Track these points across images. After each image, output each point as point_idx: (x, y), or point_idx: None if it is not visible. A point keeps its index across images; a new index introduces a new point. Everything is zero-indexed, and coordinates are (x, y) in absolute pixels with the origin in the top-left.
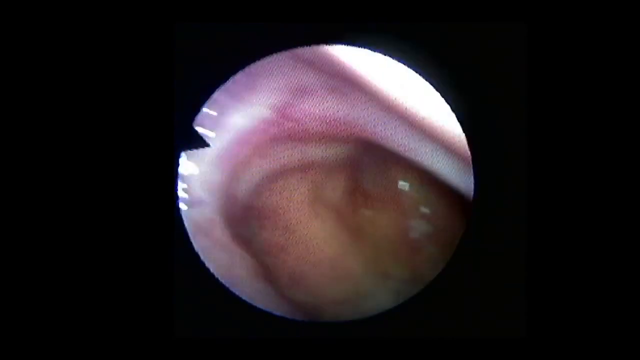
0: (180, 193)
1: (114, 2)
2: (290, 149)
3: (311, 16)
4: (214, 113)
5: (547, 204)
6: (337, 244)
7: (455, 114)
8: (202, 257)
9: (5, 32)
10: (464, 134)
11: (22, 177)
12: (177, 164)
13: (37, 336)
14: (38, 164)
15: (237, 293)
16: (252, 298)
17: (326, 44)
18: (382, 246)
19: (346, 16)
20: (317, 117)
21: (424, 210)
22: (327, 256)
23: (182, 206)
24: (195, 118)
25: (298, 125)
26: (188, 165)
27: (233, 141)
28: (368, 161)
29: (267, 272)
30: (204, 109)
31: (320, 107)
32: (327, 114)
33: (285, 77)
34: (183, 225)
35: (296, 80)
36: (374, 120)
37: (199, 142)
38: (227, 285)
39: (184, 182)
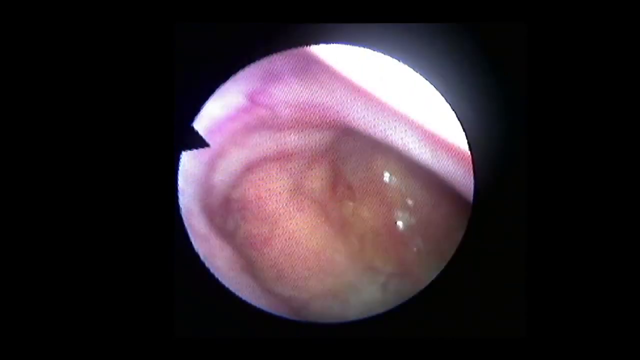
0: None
1: (114, 2)
2: (266, 137)
3: (311, 16)
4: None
5: (547, 205)
6: (321, 237)
7: (455, 114)
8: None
9: (5, 32)
10: (463, 134)
11: (22, 177)
12: (177, 164)
13: (37, 336)
14: (38, 164)
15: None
16: (236, 292)
17: (326, 44)
18: (368, 239)
19: (346, 16)
20: (291, 103)
21: (410, 202)
22: (311, 250)
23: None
24: (195, 118)
25: (271, 112)
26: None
27: (208, 130)
28: (349, 150)
29: (250, 265)
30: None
31: (293, 93)
32: (301, 100)
33: (256, 63)
34: (183, 225)
35: (266, 65)
36: (353, 106)
37: (199, 142)
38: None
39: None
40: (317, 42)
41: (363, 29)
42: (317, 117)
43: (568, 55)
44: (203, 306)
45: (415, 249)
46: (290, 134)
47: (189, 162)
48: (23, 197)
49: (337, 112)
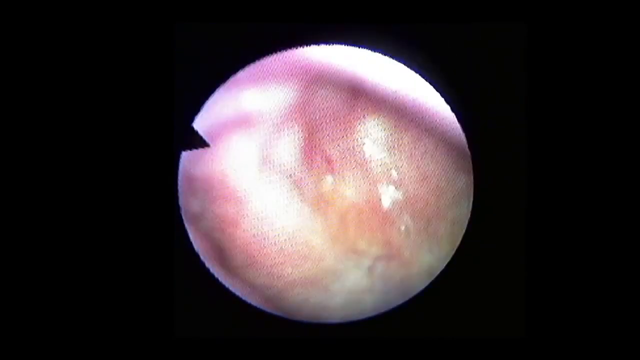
0: None
1: (113, 2)
2: (222, 96)
3: (311, 16)
4: None
5: (547, 204)
6: (296, 216)
7: (455, 114)
8: None
9: (3, 31)
10: (463, 134)
11: (22, 177)
12: (177, 164)
13: (36, 336)
14: (37, 164)
15: None
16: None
17: (326, 44)
18: (349, 218)
19: (346, 16)
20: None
21: (395, 175)
22: (285, 231)
23: None
24: (195, 118)
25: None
26: None
27: None
28: (324, 110)
29: (219, 251)
30: None
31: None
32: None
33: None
34: (183, 225)
35: None
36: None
37: (199, 142)
38: None
39: None
40: (317, 42)
41: (363, 29)
42: (279, 63)
43: (568, 55)
44: (203, 306)
45: (402, 227)
46: (248, 90)
47: None
48: (22, 196)
49: (301, 54)
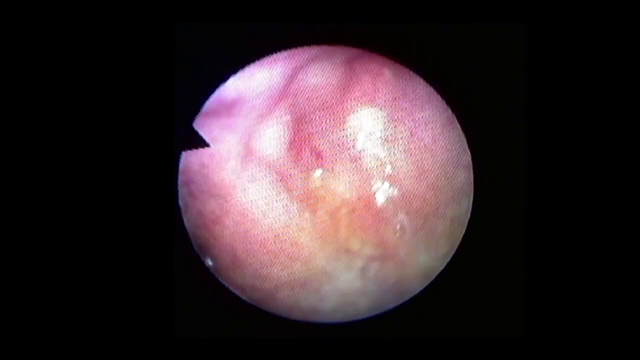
0: None
1: (113, 2)
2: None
3: (311, 16)
4: None
5: (546, 204)
6: (284, 214)
7: (455, 114)
8: None
9: (4, 31)
10: (463, 134)
11: (22, 177)
12: (177, 164)
13: (36, 336)
14: (37, 164)
15: None
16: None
17: (326, 44)
18: (341, 216)
19: (346, 16)
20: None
21: (390, 169)
22: (272, 230)
23: None
24: (196, 118)
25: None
26: None
27: None
28: (312, 97)
29: (203, 250)
30: None
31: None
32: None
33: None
34: (183, 225)
35: None
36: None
37: (199, 142)
38: None
39: None
40: (317, 42)
41: (363, 29)
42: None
43: (568, 55)
44: (203, 306)
45: (398, 226)
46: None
47: None
48: (22, 195)
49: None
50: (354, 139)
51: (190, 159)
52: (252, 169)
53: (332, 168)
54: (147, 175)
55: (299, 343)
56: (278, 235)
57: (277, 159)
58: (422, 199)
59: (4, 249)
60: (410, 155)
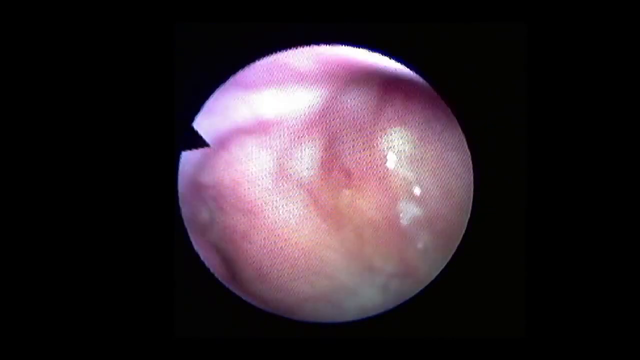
0: None
1: (114, 2)
2: (238, 99)
3: (311, 16)
4: None
5: (546, 204)
6: (311, 231)
7: (456, 114)
8: None
9: (5, 32)
10: (463, 135)
11: (22, 177)
12: (177, 164)
13: (37, 336)
14: (38, 164)
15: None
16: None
17: (326, 44)
18: (366, 234)
19: (346, 16)
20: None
21: (416, 191)
22: (298, 246)
23: None
24: (196, 117)
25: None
26: None
27: None
28: (347, 119)
29: (228, 264)
30: None
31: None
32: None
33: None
34: (183, 225)
35: None
36: (354, 49)
37: (199, 142)
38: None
39: None
40: (317, 42)
41: (363, 29)
42: (303, 66)
43: (568, 55)
44: (203, 306)
45: (421, 246)
46: (268, 93)
47: None
48: (23, 197)
49: (329, 57)
50: (383, 159)
51: (222, 175)
52: (283, 186)
53: (360, 187)
54: (148, 175)
55: (298, 343)
56: (305, 251)
57: (308, 178)
58: (446, 220)
59: (4, 249)
60: (437, 176)
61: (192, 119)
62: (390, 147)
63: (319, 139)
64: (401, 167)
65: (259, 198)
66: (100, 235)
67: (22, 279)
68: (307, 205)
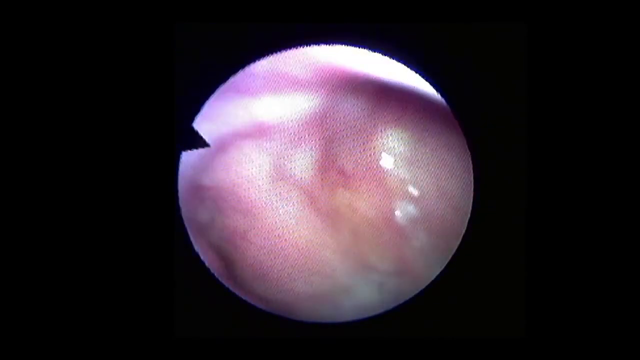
0: None
1: (114, 2)
2: (237, 105)
3: (311, 16)
4: None
5: (546, 204)
6: (309, 231)
7: (455, 114)
8: None
9: (5, 32)
10: (463, 135)
11: (22, 176)
12: (177, 164)
13: (37, 336)
14: (38, 164)
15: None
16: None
17: (326, 44)
18: (363, 234)
19: (346, 16)
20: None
21: (412, 190)
22: (297, 245)
23: None
24: (195, 118)
25: (242, 71)
26: None
27: None
28: (342, 122)
29: (227, 263)
30: None
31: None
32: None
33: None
34: (183, 225)
35: None
36: (348, 53)
37: (199, 142)
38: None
39: None
40: (317, 42)
41: (363, 29)
42: (300, 72)
43: (568, 55)
44: (203, 306)
45: (417, 244)
46: (266, 99)
47: None
48: (23, 195)
49: (325, 64)
50: (378, 160)
51: (221, 177)
52: (281, 187)
53: (356, 187)
54: (148, 175)
55: (298, 343)
56: (302, 250)
57: (305, 179)
58: (441, 219)
59: (4, 249)
60: (433, 176)
61: (192, 119)
62: (386, 148)
63: (315, 141)
64: (397, 167)
65: (257, 199)
66: (101, 236)
67: (22, 278)
68: (305, 205)
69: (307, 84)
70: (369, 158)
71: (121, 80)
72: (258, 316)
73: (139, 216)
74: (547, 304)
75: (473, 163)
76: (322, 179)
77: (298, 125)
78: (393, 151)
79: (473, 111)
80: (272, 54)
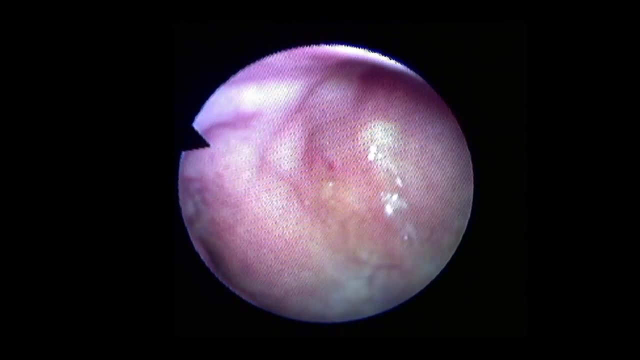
0: None
1: (114, 2)
2: (221, 94)
3: (311, 16)
4: None
5: (546, 204)
6: (295, 223)
7: (455, 114)
8: None
9: (5, 32)
10: (463, 134)
11: (22, 177)
12: (178, 164)
13: (37, 336)
14: (38, 163)
15: None
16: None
17: (326, 44)
18: (351, 227)
19: (346, 16)
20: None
21: (400, 182)
22: (283, 238)
23: None
24: (195, 118)
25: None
26: None
27: None
28: (327, 111)
29: (213, 256)
30: None
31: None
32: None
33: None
34: (183, 225)
35: None
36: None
37: (199, 142)
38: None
39: None
40: (317, 42)
41: (363, 29)
42: (282, 60)
43: (568, 55)
44: (203, 306)
45: (405, 237)
46: (248, 87)
47: None
48: (22, 196)
49: (308, 51)
50: (365, 151)
51: (206, 168)
52: (266, 179)
53: (343, 179)
54: (147, 175)
55: (298, 343)
56: (289, 243)
57: (291, 170)
58: (430, 211)
59: (4, 249)
60: (420, 168)
61: (192, 119)
62: (373, 140)
63: (300, 132)
64: (384, 159)
65: (242, 191)
66: (100, 236)
67: (22, 278)
68: (290, 197)
69: (291, 73)
70: (356, 150)
71: (121, 80)
72: (258, 316)
73: (139, 216)
74: (547, 305)
75: (473, 163)
76: (308, 171)
77: (281, 114)
78: (380, 143)
79: (473, 111)
80: (272, 54)
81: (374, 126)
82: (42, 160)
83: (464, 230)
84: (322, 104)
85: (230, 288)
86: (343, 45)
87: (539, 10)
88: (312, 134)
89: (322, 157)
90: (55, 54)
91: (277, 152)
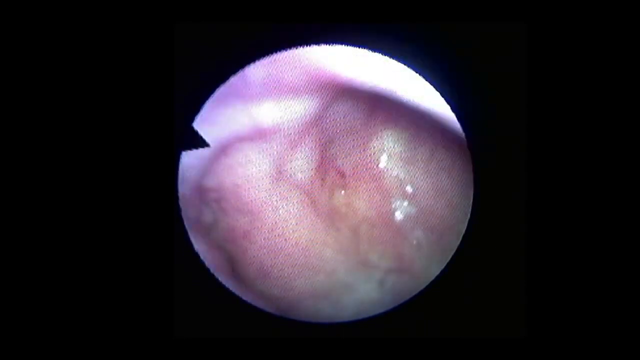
0: None
1: (114, 2)
2: (239, 110)
3: (311, 16)
4: None
5: (546, 204)
6: (309, 230)
7: (455, 114)
8: None
9: (5, 32)
10: (464, 134)
11: (22, 177)
12: (177, 164)
13: (37, 336)
14: (39, 163)
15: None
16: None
17: (327, 44)
18: (362, 231)
19: (346, 16)
20: (263, 62)
21: (409, 189)
22: (298, 244)
23: None
24: (195, 118)
25: (241, 76)
26: None
27: None
28: (339, 125)
29: (230, 262)
30: None
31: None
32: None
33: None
34: (183, 225)
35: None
36: (344, 57)
37: (199, 142)
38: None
39: None
40: (317, 42)
41: (363, 29)
42: (297, 78)
43: (568, 55)
44: (203, 306)
45: (415, 241)
46: (266, 104)
47: None
48: (23, 195)
49: (322, 69)
50: (376, 160)
51: (223, 178)
52: (282, 188)
53: (355, 187)
54: (147, 175)
55: (298, 343)
56: (304, 249)
57: (305, 180)
58: (439, 217)
59: (4, 249)
60: (430, 175)
61: (191, 119)
62: (384, 149)
63: (314, 143)
64: (395, 167)
65: (258, 200)
66: (101, 236)
67: (23, 278)
68: (305, 205)
69: (304, 89)
70: (367, 159)
71: (121, 80)
72: (258, 316)
73: (139, 216)
74: (547, 304)
75: (473, 163)
76: (321, 180)
77: (297, 128)
78: (390, 151)
79: (473, 111)
80: (272, 54)
81: (384, 136)
82: (42, 160)
83: (464, 231)
84: (335, 117)
85: (246, 294)
86: (352, 61)
87: (539, 10)
88: (325, 145)
89: (334, 167)
90: (56, 54)
91: (292, 162)
